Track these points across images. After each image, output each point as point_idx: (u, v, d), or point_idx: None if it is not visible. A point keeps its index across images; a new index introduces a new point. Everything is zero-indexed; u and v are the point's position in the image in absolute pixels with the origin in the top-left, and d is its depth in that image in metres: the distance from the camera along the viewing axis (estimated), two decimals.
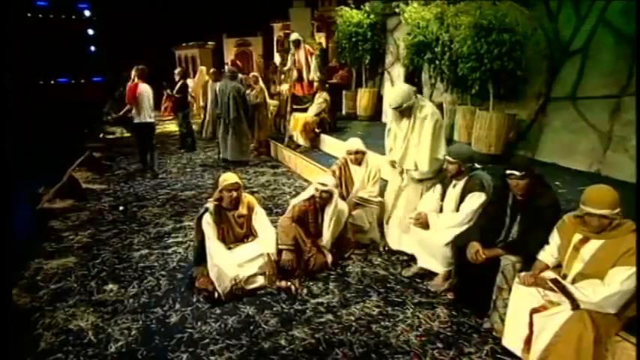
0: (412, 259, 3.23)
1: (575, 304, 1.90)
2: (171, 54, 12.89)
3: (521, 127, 4.55)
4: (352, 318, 2.65)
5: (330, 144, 6.03)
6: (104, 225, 4.23)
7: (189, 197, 5.02)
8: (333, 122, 6.33)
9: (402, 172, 3.30)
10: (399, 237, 3.38)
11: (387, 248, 3.51)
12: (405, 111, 3.04)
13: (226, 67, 7.07)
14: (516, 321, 2.20)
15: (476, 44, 3.92)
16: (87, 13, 13.53)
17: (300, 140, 6.00)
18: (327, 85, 6.69)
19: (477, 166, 2.88)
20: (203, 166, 6.53)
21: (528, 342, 2.11)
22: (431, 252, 2.94)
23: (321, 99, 6.02)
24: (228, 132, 6.13)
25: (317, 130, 6.09)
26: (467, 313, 2.67)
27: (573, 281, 2.10)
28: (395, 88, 3.35)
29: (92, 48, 14.34)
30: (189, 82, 8.35)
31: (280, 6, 12.62)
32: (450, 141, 5.07)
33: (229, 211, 3.05)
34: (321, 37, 11.11)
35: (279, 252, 3.06)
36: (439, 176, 3.09)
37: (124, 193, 5.28)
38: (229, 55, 13.33)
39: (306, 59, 6.38)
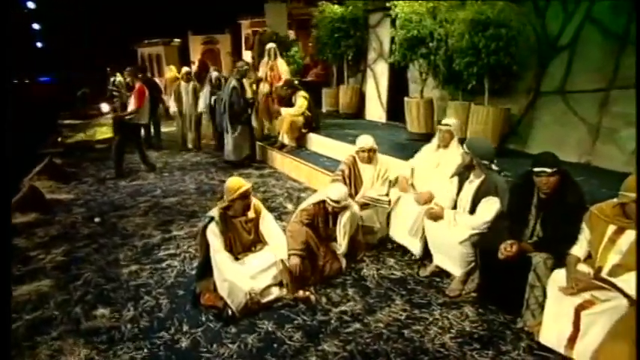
0: (425, 257, 3.16)
1: (631, 299, 1.86)
2: (132, 52, 12.03)
3: (512, 121, 4.63)
4: (381, 325, 2.50)
5: (317, 142, 5.84)
6: (80, 240, 3.75)
7: (173, 204, 4.62)
8: (317, 120, 6.14)
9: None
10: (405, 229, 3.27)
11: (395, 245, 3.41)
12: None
13: (239, 62, 6.39)
14: (557, 318, 2.16)
15: (473, 39, 3.90)
16: (30, 4, 12.18)
17: (286, 140, 5.76)
18: (296, 82, 6.45)
19: (493, 167, 2.82)
20: (182, 170, 6.07)
21: (573, 339, 2.06)
22: (445, 251, 2.86)
23: (300, 98, 5.80)
24: (236, 131, 5.70)
25: (303, 130, 5.87)
26: (493, 310, 2.62)
27: (610, 273, 2.08)
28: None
29: (39, 44, 12.99)
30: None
31: (248, 2, 12.22)
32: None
33: (236, 217, 2.78)
34: (291, 34, 10.89)
35: (288, 258, 2.84)
36: (456, 170, 3.01)
37: (98, 202, 4.76)
38: (195, 52, 12.70)
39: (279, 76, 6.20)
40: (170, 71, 8.28)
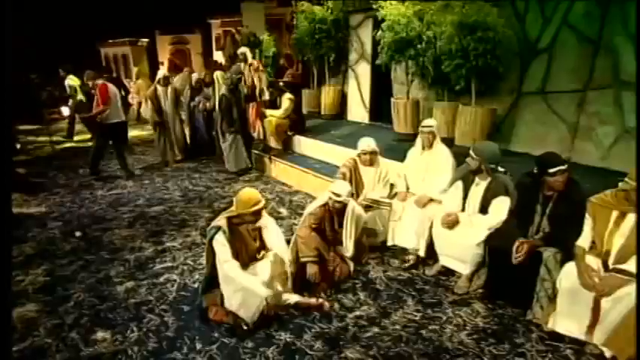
0: (428, 256, 3.21)
1: None
2: (95, 52, 11.30)
3: (496, 121, 4.82)
4: (398, 327, 2.51)
5: (304, 145, 5.78)
6: (61, 257, 3.46)
7: (160, 213, 4.38)
8: (303, 123, 6.09)
9: None
10: (412, 234, 3.31)
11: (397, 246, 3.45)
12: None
13: (234, 67, 5.96)
14: (573, 307, 2.28)
15: (462, 42, 4.02)
16: None
17: (272, 143, 5.65)
18: (281, 84, 6.38)
19: (499, 169, 2.91)
20: (163, 176, 5.78)
21: (592, 325, 2.19)
22: (457, 252, 2.93)
23: (287, 101, 5.72)
24: (230, 140, 5.42)
25: (289, 132, 5.79)
26: (501, 304, 2.71)
27: (618, 256, 2.21)
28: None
29: None
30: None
31: (218, 1, 11.89)
32: None
33: (241, 225, 2.66)
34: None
35: (303, 265, 2.78)
36: (459, 174, 3.08)
37: (75, 215, 4.41)
38: (164, 53, 12.17)
39: (252, 78, 5.92)
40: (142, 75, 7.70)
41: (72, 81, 8.49)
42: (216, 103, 5.99)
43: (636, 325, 1.99)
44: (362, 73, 6.64)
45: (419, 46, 4.48)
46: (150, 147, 7.73)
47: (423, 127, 3.39)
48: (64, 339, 2.43)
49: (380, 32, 4.73)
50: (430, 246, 3.16)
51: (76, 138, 8.60)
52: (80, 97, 7.94)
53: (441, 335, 2.44)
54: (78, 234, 3.89)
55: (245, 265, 2.61)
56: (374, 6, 4.85)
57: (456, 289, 2.90)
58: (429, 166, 3.41)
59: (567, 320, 2.31)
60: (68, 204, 4.75)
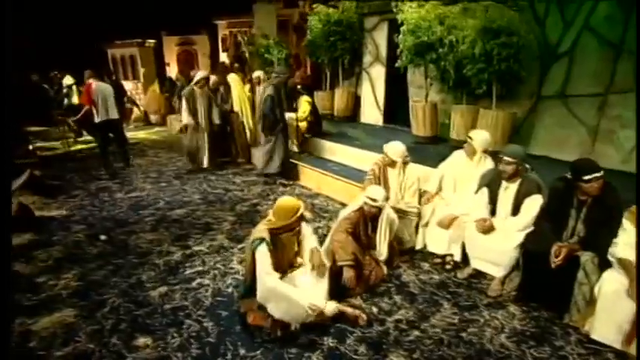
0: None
1: None
2: (102, 53, 11.27)
3: (515, 124, 4.84)
4: (438, 330, 2.54)
5: (322, 147, 5.79)
6: (90, 261, 3.45)
7: (182, 217, 4.38)
8: (320, 125, 6.10)
9: None
10: (442, 240, 3.32)
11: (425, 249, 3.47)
12: None
13: (278, 67, 5.85)
14: (612, 315, 2.30)
15: (485, 46, 4.03)
16: None
17: (291, 146, 5.65)
18: (299, 87, 6.39)
19: (527, 167, 2.94)
20: (179, 179, 5.78)
21: (632, 335, 2.19)
22: (490, 256, 2.95)
23: (305, 103, 5.73)
24: (277, 140, 5.21)
25: (306, 135, 5.80)
26: (535, 307, 2.74)
27: None
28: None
29: None
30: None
31: (224, 3, 11.87)
32: (439, 139, 5.25)
33: (282, 234, 2.67)
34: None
35: (340, 269, 2.79)
36: (484, 180, 3.10)
37: (97, 218, 4.40)
38: (170, 54, 12.15)
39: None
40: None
41: (68, 81, 8.57)
42: (233, 104, 6.02)
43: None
44: (376, 76, 6.66)
45: (440, 50, 4.49)
46: (161, 149, 7.74)
47: (468, 136, 3.40)
48: (106, 344, 2.43)
49: (401, 36, 4.74)
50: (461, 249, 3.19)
51: (84, 138, 8.61)
52: (75, 97, 8.06)
53: (481, 338, 2.46)
54: (103, 237, 3.89)
55: (284, 273, 2.63)
56: (394, 9, 4.85)
57: (489, 291, 2.93)
58: (468, 179, 3.36)
59: (605, 328, 2.33)
60: (88, 207, 4.74)
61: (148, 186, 5.45)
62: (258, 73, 5.98)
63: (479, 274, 3.11)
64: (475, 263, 3.11)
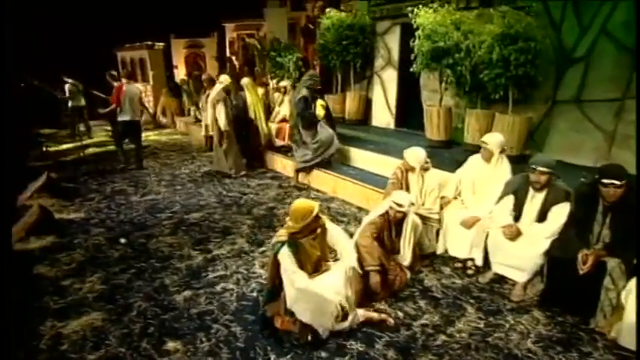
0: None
1: None
2: (110, 55, 11.34)
3: (531, 129, 4.85)
4: (465, 335, 2.56)
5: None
6: (112, 265, 3.48)
7: (200, 220, 4.40)
8: (333, 129, 6.10)
9: None
10: (463, 244, 3.34)
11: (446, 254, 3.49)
12: None
13: (310, 70, 5.95)
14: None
15: (503, 51, 4.05)
16: None
17: None
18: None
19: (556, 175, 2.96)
20: (193, 182, 5.82)
21: None
22: (514, 262, 2.96)
23: (319, 107, 5.75)
24: (311, 139, 5.33)
25: None
26: (559, 312, 2.76)
27: None
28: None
29: None
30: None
31: (232, 5, 11.94)
32: (453, 143, 5.27)
33: (303, 237, 2.68)
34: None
35: (366, 274, 2.80)
36: (510, 187, 3.12)
37: (115, 221, 4.44)
38: (179, 57, 12.21)
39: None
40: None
41: (72, 86, 8.73)
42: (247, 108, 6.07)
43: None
44: (388, 79, 6.69)
45: (457, 55, 4.51)
46: (173, 152, 7.78)
47: (481, 141, 3.42)
48: (137, 348, 2.46)
49: (417, 41, 4.76)
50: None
51: (94, 140, 8.71)
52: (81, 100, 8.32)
53: (508, 343, 2.48)
54: (123, 241, 3.92)
55: (309, 276, 2.64)
56: (410, 14, 4.87)
57: (512, 296, 2.95)
58: (486, 181, 3.40)
59: (633, 334, 2.32)
60: (105, 210, 4.78)
61: (163, 189, 5.49)
62: (285, 83, 6.21)
63: (500, 279, 3.13)
64: (497, 268, 3.13)
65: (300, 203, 2.64)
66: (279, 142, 6.39)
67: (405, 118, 6.62)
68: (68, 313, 2.81)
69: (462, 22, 4.59)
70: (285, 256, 2.50)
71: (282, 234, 2.61)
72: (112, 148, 8.24)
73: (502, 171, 3.39)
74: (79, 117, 9.18)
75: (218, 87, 5.72)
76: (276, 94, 6.83)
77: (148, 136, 9.29)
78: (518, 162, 4.21)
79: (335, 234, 2.77)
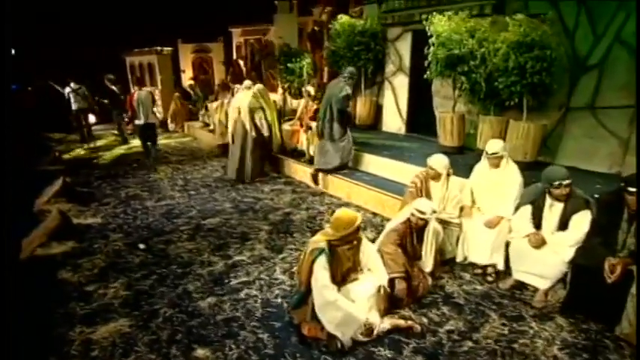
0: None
1: None
2: (118, 60, 11.42)
3: (545, 136, 4.87)
4: (490, 341, 2.58)
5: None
6: (134, 271, 3.51)
7: (217, 226, 4.43)
8: None
9: None
10: (484, 250, 3.36)
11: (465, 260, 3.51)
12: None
13: (350, 67, 5.75)
14: None
15: (519, 59, 4.09)
16: None
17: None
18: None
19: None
20: (207, 187, 5.85)
21: None
22: (536, 269, 2.98)
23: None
24: (348, 136, 5.40)
25: None
26: (582, 319, 2.77)
27: None
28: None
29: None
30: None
31: (239, 11, 12.05)
32: (466, 149, 5.30)
33: (339, 246, 2.70)
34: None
35: (392, 281, 2.83)
36: (528, 198, 3.15)
37: (133, 226, 4.47)
38: (186, 61, 12.29)
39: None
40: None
41: (73, 86, 8.83)
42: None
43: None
44: (399, 85, 6.73)
45: (472, 62, 4.55)
46: (183, 157, 7.80)
47: (490, 154, 3.37)
48: (167, 355, 2.48)
49: (432, 48, 4.81)
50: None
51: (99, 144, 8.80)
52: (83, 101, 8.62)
53: (534, 350, 2.50)
54: (142, 246, 3.95)
55: (338, 285, 2.66)
56: (424, 22, 4.92)
57: (534, 302, 2.97)
58: (497, 185, 3.44)
59: None
60: (122, 215, 4.81)
61: (177, 194, 5.52)
62: (310, 88, 6.39)
63: (520, 285, 3.15)
64: (518, 275, 3.15)
65: (345, 213, 2.68)
66: (292, 146, 6.43)
67: (416, 124, 6.66)
68: (95, 319, 2.83)
69: (476, 29, 4.62)
70: (321, 267, 2.53)
71: (319, 240, 2.63)
72: (122, 152, 8.34)
73: (511, 173, 3.42)
74: (83, 120, 9.26)
75: (248, 94, 5.71)
76: (297, 101, 6.94)
77: (158, 140, 9.31)
78: (532, 168, 4.24)
79: (367, 249, 2.80)
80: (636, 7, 3.90)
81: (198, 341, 2.60)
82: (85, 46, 11.65)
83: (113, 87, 8.79)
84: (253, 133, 5.69)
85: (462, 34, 4.59)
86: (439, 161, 3.43)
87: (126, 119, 8.26)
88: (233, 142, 5.82)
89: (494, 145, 3.42)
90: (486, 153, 3.42)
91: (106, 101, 9.24)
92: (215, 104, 7.64)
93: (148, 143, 7.26)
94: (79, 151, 8.28)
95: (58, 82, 9.04)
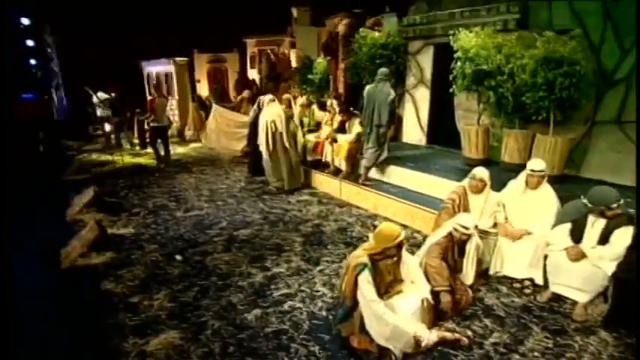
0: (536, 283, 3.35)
1: None
2: (135, 69, 11.63)
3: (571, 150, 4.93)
4: (537, 354, 2.64)
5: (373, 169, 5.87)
6: (175, 282, 3.57)
7: (250, 237, 4.49)
8: None
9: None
10: (520, 264, 3.40)
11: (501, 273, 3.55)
12: None
13: (383, 68, 5.79)
14: None
15: (547, 75, 4.18)
16: (25, 21, 11.49)
17: (344, 166, 5.80)
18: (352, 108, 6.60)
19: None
20: (233, 197, 5.92)
21: None
22: (576, 282, 3.02)
23: (358, 125, 5.90)
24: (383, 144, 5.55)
25: (358, 155, 5.94)
26: (624, 333, 2.81)
27: None
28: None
29: (32, 61, 12.23)
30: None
31: (254, 21, 12.26)
32: (491, 162, 5.36)
33: (381, 260, 2.77)
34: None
35: (436, 295, 2.87)
36: (568, 217, 3.20)
37: (166, 237, 4.54)
38: (202, 71, 12.48)
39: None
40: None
41: (102, 96, 9.09)
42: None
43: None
44: (420, 98, 6.83)
45: (499, 77, 4.64)
46: (205, 166, 7.88)
47: (534, 171, 3.39)
48: None
49: (458, 62, 4.90)
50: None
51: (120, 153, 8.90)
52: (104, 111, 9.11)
53: None
54: (179, 257, 4.01)
55: (381, 297, 2.71)
56: (450, 37, 5.03)
57: (574, 316, 3.02)
58: (532, 206, 3.47)
59: None
60: (153, 225, 4.88)
61: (205, 204, 5.59)
62: (332, 101, 6.53)
63: (558, 298, 3.20)
64: (556, 288, 3.19)
65: (388, 226, 2.75)
66: (315, 157, 6.52)
67: (437, 136, 6.75)
68: (146, 331, 2.89)
69: (503, 45, 4.72)
70: (365, 281, 2.59)
71: (360, 254, 2.69)
72: (141, 161, 8.44)
73: (548, 196, 3.48)
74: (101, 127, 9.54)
75: (277, 106, 5.92)
76: (322, 113, 7.04)
77: (175, 149, 9.44)
78: (559, 182, 4.31)
79: (408, 261, 2.86)
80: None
81: (251, 354, 2.65)
82: (103, 56, 11.86)
83: (112, 94, 9.18)
84: (292, 141, 5.88)
85: (489, 50, 4.69)
86: (486, 173, 3.50)
87: (146, 121, 8.47)
88: (272, 155, 5.85)
89: (538, 164, 3.45)
90: (531, 171, 3.41)
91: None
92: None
93: (159, 141, 7.91)
94: (103, 160, 8.38)
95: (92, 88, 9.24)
